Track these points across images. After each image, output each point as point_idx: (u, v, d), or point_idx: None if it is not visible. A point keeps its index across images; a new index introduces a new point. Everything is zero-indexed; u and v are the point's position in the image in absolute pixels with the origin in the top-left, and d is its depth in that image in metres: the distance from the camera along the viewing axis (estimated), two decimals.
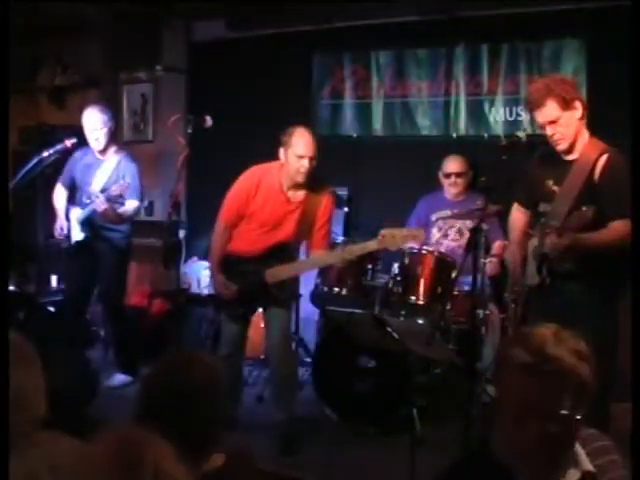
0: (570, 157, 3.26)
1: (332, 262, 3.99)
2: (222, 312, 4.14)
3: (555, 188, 3.25)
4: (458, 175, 4.88)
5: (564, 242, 3.01)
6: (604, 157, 3.15)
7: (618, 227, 3.08)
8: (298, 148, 3.85)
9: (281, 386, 4.09)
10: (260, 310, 4.20)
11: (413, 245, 3.72)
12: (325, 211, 4.01)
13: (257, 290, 3.96)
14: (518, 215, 3.55)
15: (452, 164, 4.93)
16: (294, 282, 4.12)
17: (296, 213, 3.98)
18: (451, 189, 4.90)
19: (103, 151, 4.93)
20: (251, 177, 4.05)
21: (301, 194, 3.99)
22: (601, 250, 3.10)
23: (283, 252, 3.94)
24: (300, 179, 3.90)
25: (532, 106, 3.24)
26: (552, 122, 3.18)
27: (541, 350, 1.50)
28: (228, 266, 4.04)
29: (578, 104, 3.19)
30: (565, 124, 3.18)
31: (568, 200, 3.14)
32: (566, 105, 3.16)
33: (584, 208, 2.96)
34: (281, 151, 3.92)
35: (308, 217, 3.97)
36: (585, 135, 3.25)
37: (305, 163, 3.85)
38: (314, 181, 3.98)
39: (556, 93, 3.15)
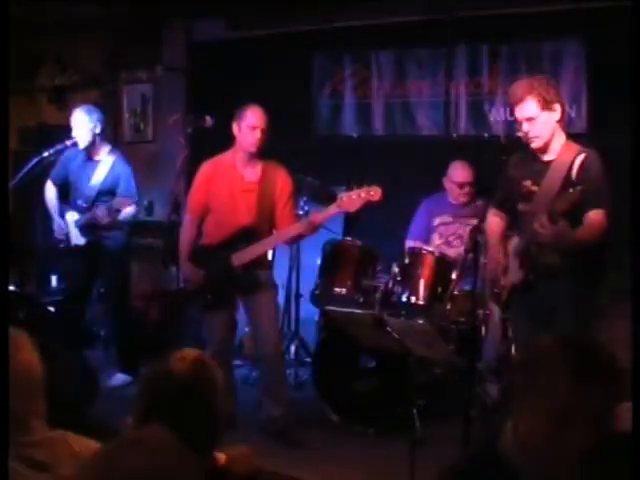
0: (547, 157, 3.34)
1: (297, 232, 4.00)
2: (192, 304, 4.16)
3: (534, 188, 3.32)
4: (470, 185, 4.82)
5: (555, 227, 3.05)
6: (581, 157, 3.24)
7: (593, 217, 3.19)
8: (251, 119, 3.99)
9: (273, 381, 4.11)
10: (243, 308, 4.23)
11: (370, 198, 3.72)
12: (284, 188, 4.07)
13: (225, 275, 3.99)
14: (495, 219, 3.59)
15: (462, 173, 4.82)
16: (264, 267, 4.13)
17: (254, 194, 4.03)
18: (461, 198, 4.85)
19: (94, 151, 4.95)
20: (206, 167, 4.18)
21: (256, 173, 4.07)
22: (585, 243, 3.19)
23: (248, 236, 3.99)
24: (253, 149, 4.01)
25: (513, 101, 3.33)
26: (529, 119, 3.26)
27: (589, 353, 1.52)
28: (197, 258, 4.09)
29: (558, 107, 3.27)
30: (542, 123, 3.26)
31: (547, 199, 3.21)
32: (545, 105, 3.24)
33: (571, 190, 3.02)
34: (234, 126, 4.03)
35: (267, 198, 4.03)
36: (562, 137, 3.33)
37: (257, 134, 3.98)
38: (268, 161, 4.09)
39: (537, 92, 3.24)
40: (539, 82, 3.29)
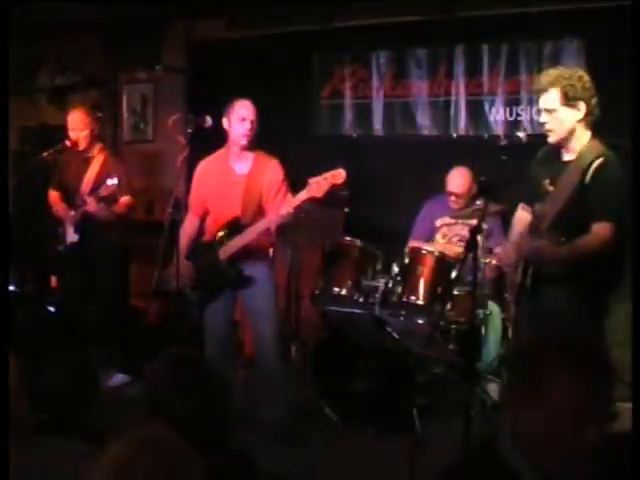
0: (567, 157, 3.24)
1: (275, 221, 3.98)
2: (191, 303, 4.19)
3: (550, 188, 3.23)
4: (458, 196, 4.78)
5: (534, 244, 2.99)
6: (599, 160, 3.12)
7: (600, 230, 3.08)
8: (240, 111, 4.05)
9: (272, 381, 4.11)
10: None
11: (334, 181, 3.79)
12: (274, 179, 4.08)
13: (211, 269, 4.04)
14: (522, 215, 3.50)
15: (454, 183, 4.79)
16: (257, 261, 4.11)
17: (242, 187, 4.07)
18: (452, 204, 4.86)
19: (87, 151, 4.96)
20: (201, 166, 4.25)
21: (246, 166, 4.10)
22: (586, 256, 3.08)
23: (235, 229, 4.02)
24: (244, 141, 4.05)
25: (537, 89, 3.22)
26: (547, 110, 3.17)
27: (598, 353, 1.52)
28: (195, 256, 4.16)
29: (582, 106, 3.13)
30: (560, 118, 3.15)
31: (558, 201, 3.13)
32: (568, 101, 3.12)
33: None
34: (225, 121, 4.08)
35: (255, 189, 4.06)
36: (584, 137, 3.20)
37: (247, 125, 4.03)
38: (260, 153, 4.13)
39: (563, 85, 3.11)
40: (569, 75, 3.15)
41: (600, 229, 3.08)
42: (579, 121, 3.16)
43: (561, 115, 3.15)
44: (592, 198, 3.10)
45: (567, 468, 1.52)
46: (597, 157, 3.14)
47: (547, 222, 3.07)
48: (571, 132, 3.18)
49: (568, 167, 3.20)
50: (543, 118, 3.21)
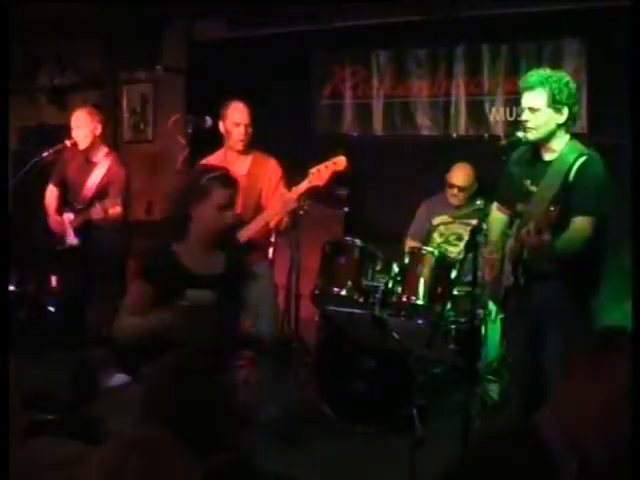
0: (548, 157, 3.25)
1: (279, 210, 4.00)
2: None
3: (533, 188, 3.24)
4: (461, 189, 4.80)
5: (539, 238, 3.00)
6: (582, 159, 3.15)
7: (576, 224, 3.09)
8: (235, 117, 4.11)
9: (272, 381, 4.11)
10: None
11: (336, 168, 3.80)
12: (272, 177, 4.12)
13: None
14: (498, 215, 3.51)
15: (457, 176, 4.82)
16: (256, 258, 4.13)
17: (241, 187, 4.05)
18: (452, 199, 4.87)
19: (92, 153, 4.95)
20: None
21: (244, 167, 4.13)
22: (566, 251, 3.08)
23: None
24: (240, 146, 4.11)
25: (524, 87, 3.23)
26: (531, 109, 3.17)
27: None
28: None
29: (565, 111, 3.16)
30: (542, 119, 3.16)
31: (545, 201, 3.13)
32: (553, 104, 3.14)
33: (551, 208, 2.96)
34: (220, 125, 4.14)
35: (253, 189, 4.09)
36: (564, 139, 3.22)
37: (242, 130, 4.08)
38: (258, 153, 4.18)
39: (550, 87, 3.14)
40: (557, 78, 3.18)
41: (578, 223, 3.09)
42: (560, 125, 3.19)
43: (544, 116, 3.16)
44: (575, 194, 3.11)
45: (612, 454, 1.51)
46: (580, 155, 3.16)
47: (534, 222, 3.05)
48: (552, 133, 3.20)
49: (550, 166, 3.21)
50: (525, 116, 3.21)
